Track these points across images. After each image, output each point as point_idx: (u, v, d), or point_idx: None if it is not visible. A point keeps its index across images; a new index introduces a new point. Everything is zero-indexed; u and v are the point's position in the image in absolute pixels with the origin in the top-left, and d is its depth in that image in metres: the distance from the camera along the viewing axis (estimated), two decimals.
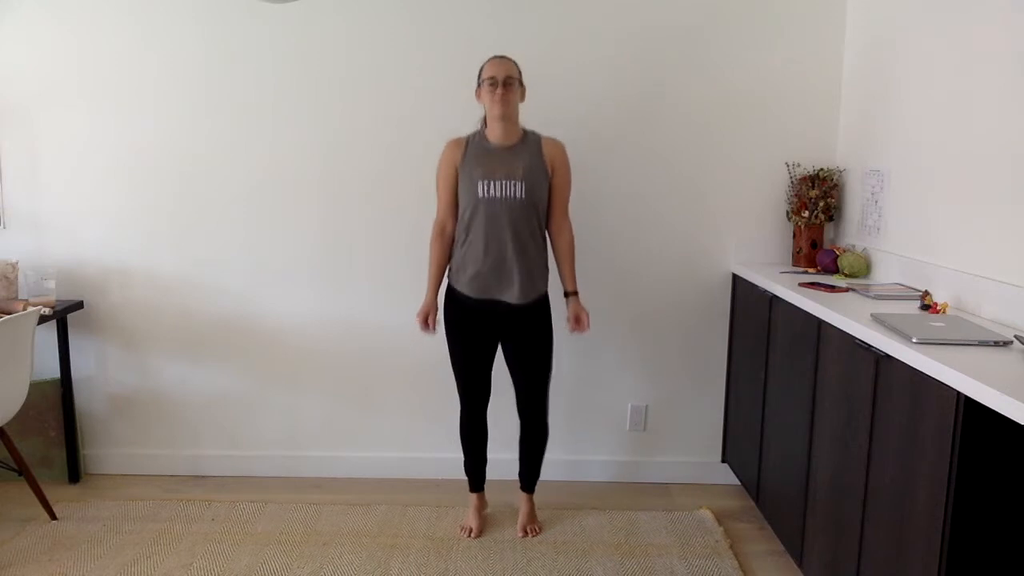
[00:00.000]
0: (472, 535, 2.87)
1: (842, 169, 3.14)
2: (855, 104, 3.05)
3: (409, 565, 2.66)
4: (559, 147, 2.73)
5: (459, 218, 2.72)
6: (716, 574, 2.63)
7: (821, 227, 3.11)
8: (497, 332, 2.78)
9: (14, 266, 3.10)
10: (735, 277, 3.23)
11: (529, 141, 2.71)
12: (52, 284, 3.13)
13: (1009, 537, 1.64)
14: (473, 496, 2.96)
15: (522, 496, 2.94)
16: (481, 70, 2.67)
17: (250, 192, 3.24)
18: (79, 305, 3.22)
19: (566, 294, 2.81)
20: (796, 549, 2.51)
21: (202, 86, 3.17)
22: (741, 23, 3.12)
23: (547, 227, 2.78)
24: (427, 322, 2.80)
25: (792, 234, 3.21)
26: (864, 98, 2.98)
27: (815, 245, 3.11)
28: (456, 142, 2.73)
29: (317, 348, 3.33)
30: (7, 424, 3.03)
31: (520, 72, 2.69)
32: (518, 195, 2.63)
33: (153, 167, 3.22)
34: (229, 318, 3.32)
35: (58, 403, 3.26)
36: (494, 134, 2.68)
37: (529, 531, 2.89)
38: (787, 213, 3.20)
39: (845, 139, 3.14)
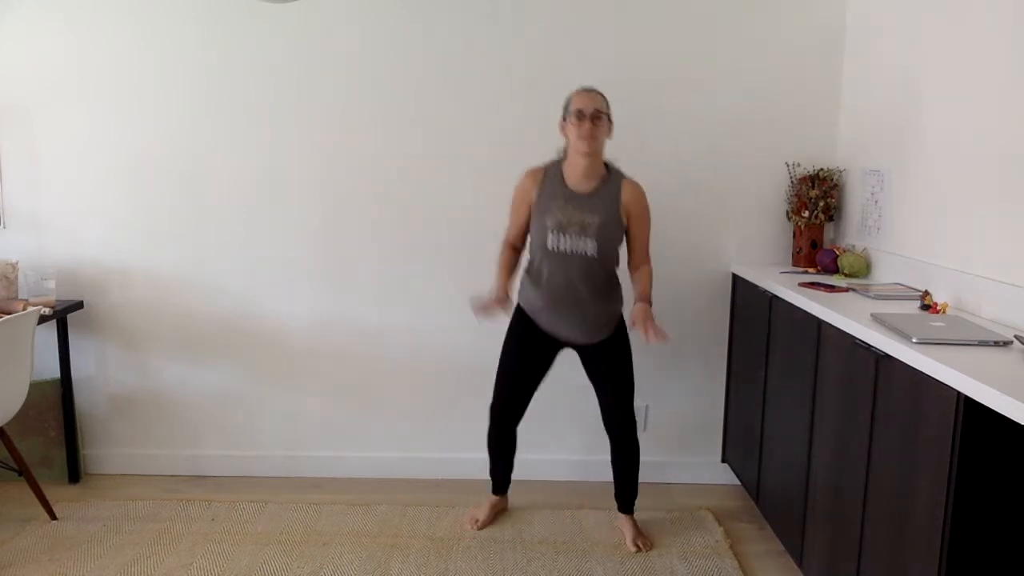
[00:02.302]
0: (478, 525, 2.88)
1: (842, 169, 3.14)
2: (855, 104, 3.05)
3: (409, 565, 2.66)
4: (638, 194, 2.61)
5: (530, 248, 2.67)
6: (716, 574, 2.63)
7: (821, 227, 3.11)
8: (558, 352, 2.76)
9: (14, 266, 3.10)
10: (735, 277, 3.23)
11: (609, 186, 2.59)
12: (52, 284, 3.13)
13: (1009, 537, 1.64)
14: (494, 497, 2.98)
15: (623, 519, 2.87)
16: (568, 101, 2.57)
17: (250, 192, 3.24)
18: (79, 305, 3.22)
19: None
20: (796, 549, 2.51)
21: (202, 86, 3.17)
22: (741, 23, 3.12)
23: (629, 267, 2.71)
24: (491, 306, 2.57)
25: (792, 234, 3.21)
26: (864, 98, 2.98)
27: (815, 245, 3.11)
28: (533, 174, 2.64)
29: (317, 348, 3.33)
30: (7, 424, 3.03)
31: (608, 106, 2.58)
32: (588, 252, 2.55)
33: (153, 167, 3.22)
34: (229, 318, 3.32)
35: (58, 403, 3.26)
36: (574, 172, 2.57)
37: (641, 544, 2.77)
38: (787, 213, 3.20)
39: (845, 139, 3.14)
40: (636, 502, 2.90)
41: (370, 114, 3.18)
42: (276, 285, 3.29)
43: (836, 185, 3.10)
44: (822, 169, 3.12)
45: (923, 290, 2.46)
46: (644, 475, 3.36)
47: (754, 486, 2.94)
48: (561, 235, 2.55)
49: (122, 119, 3.20)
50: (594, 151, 2.54)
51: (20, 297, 3.16)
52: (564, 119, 2.59)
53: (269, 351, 3.34)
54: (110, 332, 3.33)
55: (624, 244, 2.68)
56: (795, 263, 3.16)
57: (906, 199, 2.66)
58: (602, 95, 2.58)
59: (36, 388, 3.22)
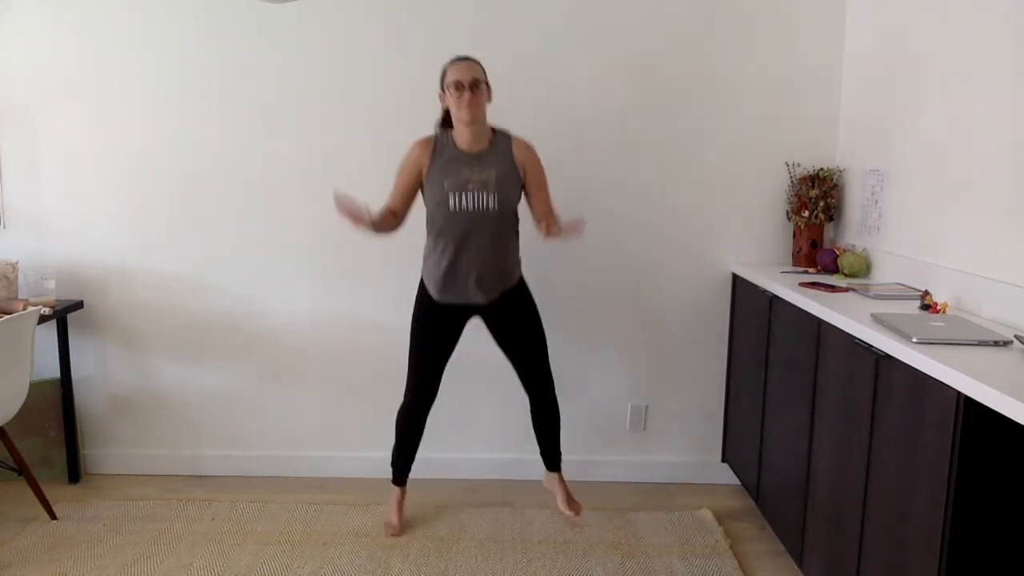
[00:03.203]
0: (396, 532, 2.85)
1: (842, 169, 3.14)
2: (855, 104, 3.05)
3: (409, 565, 2.66)
4: (529, 148, 2.67)
5: (428, 223, 2.68)
6: (716, 574, 2.63)
7: (821, 227, 3.11)
8: (463, 325, 2.78)
9: (14, 266, 3.10)
10: (735, 277, 3.23)
11: (499, 144, 2.64)
12: (52, 284, 3.13)
13: (1009, 537, 1.64)
14: (398, 489, 2.92)
15: (552, 477, 2.93)
16: (444, 73, 2.59)
17: (250, 192, 3.24)
18: (79, 305, 3.22)
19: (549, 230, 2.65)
20: (796, 549, 2.51)
21: (202, 86, 3.17)
22: (741, 23, 3.12)
23: (536, 222, 2.72)
24: (353, 208, 2.52)
25: (792, 234, 3.21)
26: (864, 98, 2.98)
27: (815, 245, 3.11)
28: (424, 143, 2.65)
29: (317, 348, 3.33)
30: (7, 424, 3.03)
31: (485, 72, 2.61)
32: (491, 206, 2.58)
33: (153, 167, 3.22)
34: (229, 318, 3.32)
35: (58, 403, 3.26)
36: (463, 139, 2.61)
37: (574, 508, 2.85)
38: (787, 213, 3.20)
39: (845, 139, 3.14)
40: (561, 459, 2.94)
41: (370, 113, 3.18)
42: (276, 285, 3.29)
43: (836, 185, 3.10)
44: (822, 169, 3.12)
45: (923, 290, 2.46)
46: (644, 475, 3.38)
47: (754, 486, 2.94)
48: (461, 194, 2.58)
49: (122, 119, 3.20)
50: (477, 119, 2.57)
51: (20, 297, 3.16)
52: (443, 90, 2.61)
53: (269, 351, 3.34)
54: (110, 332, 3.33)
55: (527, 205, 2.71)
56: (795, 263, 3.16)
57: (906, 199, 2.66)
58: (477, 62, 2.60)
59: (36, 388, 3.22)
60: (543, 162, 2.70)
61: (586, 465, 3.37)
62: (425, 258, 2.74)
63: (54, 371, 3.29)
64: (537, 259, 3.16)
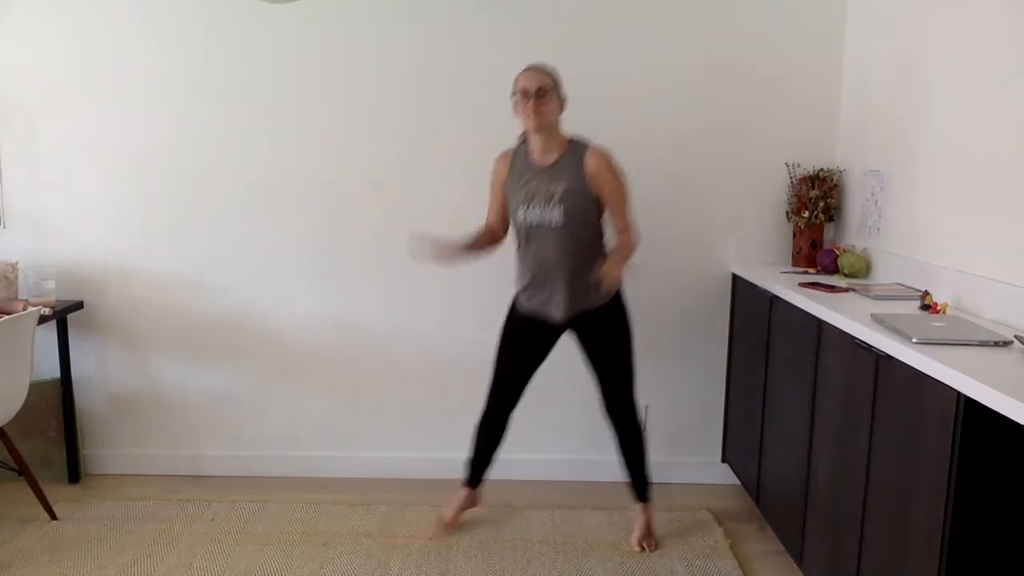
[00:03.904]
0: (443, 528, 2.83)
1: (842, 169, 3.14)
2: (855, 104, 3.05)
3: (409, 565, 2.66)
4: (603, 160, 2.56)
5: (513, 231, 2.70)
6: (716, 574, 2.63)
7: (821, 227, 3.11)
8: (556, 337, 2.75)
9: (14, 266, 3.10)
10: (735, 277, 3.23)
11: (572, 156, 2.57)
12: (52, 284, 3.13)
13: (1009, 537, 1.64)
14: (465, 490, 2.91)
15: (635, 510, 2.84)
16: (515, 82, 2.59)
17: (250, 192, 3.24)
18: (79, 305, 3.22)
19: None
20: (796, 549, 2.51)
21: (202, 86, 3.17)
22: (741, 23, 3.12)
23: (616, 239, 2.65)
24: (433, 247, 2.61)
25: (792, 234, 3.21)
26: (864, 98, 2.98)
27: (815, 245, 3.11)
28: (504, 157, 2.70)
29: (317, 348, 3.33)
30: (7, 424, 3.03)
31: (557, 81, 2.59)
32: (555, 222, 2.55)
33: (153, 167, 3.22)
34: (229, 318, 3.32)
35: (58, 403, 3.26)
36: (535, 149, 2.61)
37: (646, 545, 2.75)
38: (787, 213, 3.20)
39: (845, 139, 3.14)
40: (650, 490, 2.84)
41: (371, 113, 3.18)
42: (276, 285, 3.29)
43: (836, 185, 3.10)
44: (822, 169, 3.12)
45: (923, 290, 2.46)
46: None
47: (754, 486, 2.94)
48: (529, 208, 2.58)
49: (122, 119, 3.20)
50: (542, 126, 2.54)
51: (20, 297, 3.16)
52: (513, 100, 2.61)
53: (269, 351, 3.34)
54: (110, 332, 3.33)
55: (602, 215, 2.65)
56: (795, 263, 3.16)
57: (906, 199, 2.66)
58: (548, 72, 2.58)
59: (36, 388, 3.22)
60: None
61: (586, 465, 3.37)
62: (517, 270, 2.74)
63: (54, 371, 3.29)
64: None
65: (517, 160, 2.66)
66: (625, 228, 2.62)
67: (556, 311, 2.65)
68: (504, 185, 2.68)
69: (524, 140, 2.68)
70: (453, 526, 2.88)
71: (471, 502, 2.95)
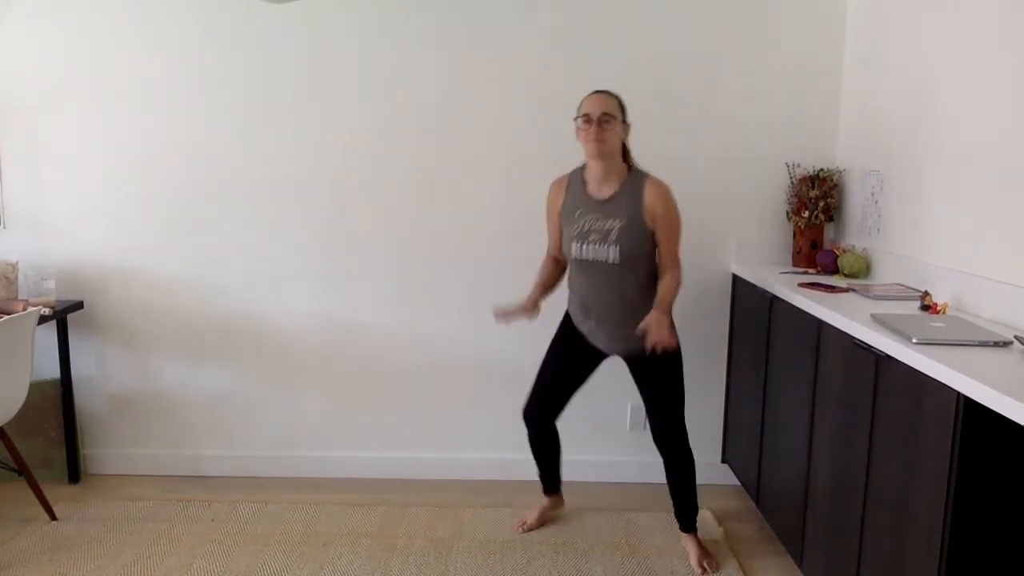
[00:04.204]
0: (524, 528, 2.89)
1: (842, 169, 3.14)
2: (855, 104, 3.05)
3: (409, 565, 2.66)
4: (661, 195, 2.49)
5: (566, 257, 2.66)
6: (716, 574, 2.63)
7: (821, 227, 3.11)
8: (601, 358, 2.75)
9: (14, 266, 3.10)
10: (735, 277, 3.23)
11: (630, 188, 2.50)
12: (52, 284, 3.13)
13: (1009, 537, 1.64)
14: (545, 499, 2.97)
15: (684, 538, 2.75)
16: (580, 106, 2.52)
17: (250, 192, 3.24)
18: (79, 305, 3.22)
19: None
20: (796, 549, 2.51)
21: (203, 86, 3.17)
22: (741, 23, 3.12)
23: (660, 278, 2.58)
24: (514, 313, 2.59)
25: (792, 234, 3.21)
26: (864, 98, 2.98)
27: (815, 245, 3.11)
28: (558, 184, 2.64)
29: (317, 348, 3.33)
30: (7, 424, 3.03)
31: (623, 106, 2.53)
32: (611, 259, 2.49)
33: (153, 167, 3.22)
34: (229, 318, 3.32)
35: (58, 403, 3.26)
36: (593, 177, 2.54)
37: (707, 566, 2.64)
38: (787, 213, 3.20)
39: (845, 139, 3.14)
40: (697, 518, 2.77)
41: (372, 114, 3.18)
42: (276, 285, 3.29)
43: (836, 185, 3.10)
44: (822, 169, 3.12)
45: (923, 290, 2.46)
46: (644, 475, 3.37)
47: (754, 486, 2.94)
48: (584, 244, 2.52)
49: (122, 119, 3.20)
50: (604, 154, 2.47)
51: (20, 297, 3.16)
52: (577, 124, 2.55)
53: (269, 351, 3.34)
54: (110, 332, 3.33)
55: (656, 249, 2.57)
56: (795, 263, 3.16)
57: (906, 199, 2.66)
58: (615, 97, 2.52)
59: (36, 388, 3.22)
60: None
61: (586, 465, 3.37)
62: (568, 283, 2.72)
63: (54, 371, 3.29)
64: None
65: (572, 188, 2.59)
66: (672, 265, 2.54)
67: (609, 346, 2.66)
68: (560, 213, 2.61)
69: (584, 166, 2.61)
70: (532, 528, 2.92)
71: (554, 507, 3.00)
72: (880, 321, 2.04)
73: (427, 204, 3.23)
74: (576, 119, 2.52)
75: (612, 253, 2.49)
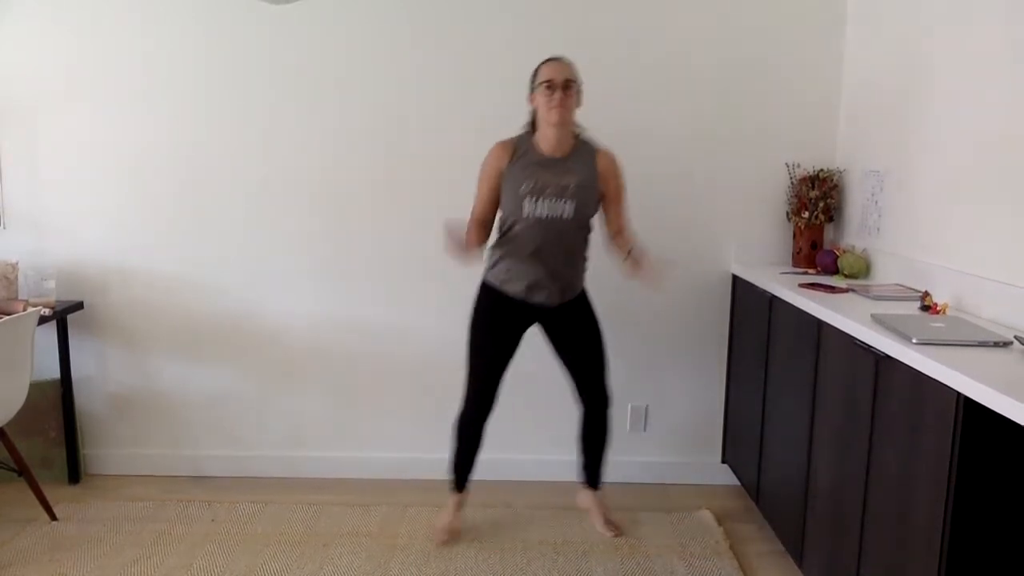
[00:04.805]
0: (450, 536, 2.80)
1: (842, 170, 3.14)
2: (855, 104, 3.05)
3: (409, 565, 2.66)
4: (613, 160, 2.60)
5: (500, 225, 2.64)
6: (716, 574, 2.63)
7: (821, 227, 3.11)
8: (525, 329, 2.75)
9: (14, 266, 3.10)
10: (735, 277, 3.23)
11: (582, 152, 2.58)
12: (52, 284, 3.13)
13: (1009, 537, 1.65)
14: (458, 495, 2.86)
15: (589, 495, 2.88)
16: (536, 72, 2.54)
17: (250, 192, 3.24)
18: (79, 305, 3.22)
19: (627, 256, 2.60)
20: (796, 549, 2.51)
21: (202, 86, 3.18)
22: (741, 23, 3.12)
23: (609, 235, 2.69)
24: (459, 239, 2.52)
25: (792, 234, 3.21)
26: (864, 98, 2.98)
27: (815, 246, 3.11)
28: (503, 146, 2.60)
29: (317, 348, 3.33)
30: (7, 424, 3.03)
31: (578, 75, 2.55)
32: (566, 214, 2.53)
33: (153, 167, 3.23)
34: (229, 318, 3.32)
35: (58, 403, 3.26)
36: (547, 143, 2.55)
37: (613, 529, 2.82)
38: (787, 213, 3.20)
39: (845, 139, 3.14)
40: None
41: (370, 114, 3.19)
42: (276, 285, 3.29)
43: (836, 185, 3.10)
44: (822, 169, 3.12)
45: (923, 291, 2.46)
46: (644, 475, 3.38)
47: (754, 486, 2.94)
48: (538, 200, 2.53)
49: (122, 119, 3.20)
50: (565, 121, 2.51)
51: (20, 297, 3.16)
52: (532, 91, 2.57)
53: (269, 351, 3.34)
54: (110, 332, 3.33)
55: (600, 215, 2.66)
56: (795, 264, 3.16)
57: (906, 199, 2.66)
58: (571, 64, 2.55)
59: (36, 388, 3.22)
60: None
61: None
62: (491, 259, 2.69)
63: (54, 371, 3.29)
64: None
65: (520, 150, 2.58)
66: (623, 229, 2.67)
67: (549, 299, 2.64)
68: (504, 174, 2.58)
69: (531, 132, 2.62)
70: (454, 534, 2.83)
71: (460, 505, 2.90)
72: (880, 321, 2.04)
73: (428, 204, 3.23)
74: (535, 86, 2.53)
75: (568, 208, 2.53)
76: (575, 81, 2.52)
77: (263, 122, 3.19)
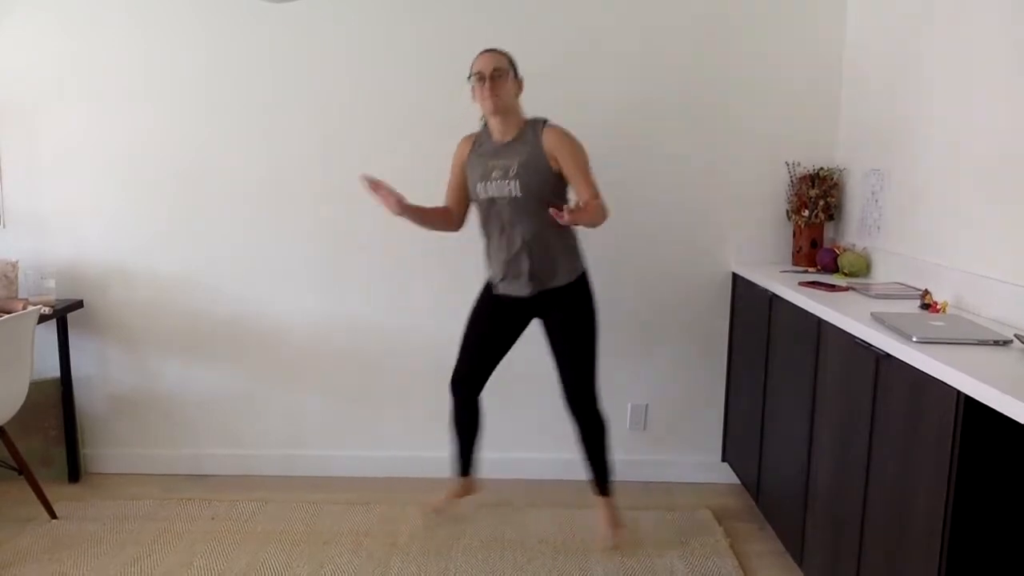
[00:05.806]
0: (434, 510, 2.85)
1: (842, 168, 3.13)
2: (855, 103, 3.05)
3: (409, 565, 2.66)
4: (559, 133, 2.55)
5: (479, 216, 2.72)
6: (716, 574, 2.63)
7: (821, 226, 3.11)
8: (523, 322, 2.76)
9: (14, 266, 3.10)
10: (735, 277, 3.23)
11: (529, 131, 2.60)
12: (52, 283, 3.13)
13: (1009, 537, 1.64)
14: (461, 479, 2.88)
15: (598, 500, 2.79)
16: (471, 66, 2.61)
17: (250, 192, 3.24)
18: (79, 304, 3.22)
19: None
20: (796, 549, 2.51)
21: (202, 86, 3.18)
22: (741, 22, 3.12)
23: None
24: (382, 190, 2.54)
25: (792, 233, 3.21)
26: (864, 97, 2.97)
27: (815, 244, 3.11)
28: (467, 138, 2.73)
29: (317, 347, 3.33)
30: (7, 423, 3.03)
31: (512, 62, 2.60)
32: (513, 193, 2.56)
33: (153, 167, 3.23)
34: (229, 317, 3.32)
35: (58, 402, 3.26)
36: (496, 131, 2.64)
37: (616, 535, 2.75)
38: (787, 212, 3.20)
39: (845, 138, 3.13)
40: (611, 483, 2.80)
41: (370, 114, 3.18)
42: (276, 285, 3.30)
43: (836, 184, 3.09)
44: (822, 168, 3.12)
45: (923, 289, 2.46)
46: (644, 475, 3.37)
47: (754, 486, 2.94)
48: (487, 182, 2.59)
49: (122, 119, 3.20)
50: (499, 109, 2.55)
51: (20, 296, 3.16)
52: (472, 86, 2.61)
53: (269, 351, 3.34)
54: (110, 332, 3.33)
55: (565, 193, 2.63)
56: (795, 262, 3.16)
57: (906, 199, 2.66)
58: (504, 54, 2.59)
59: (36, 388, 3.22)
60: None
61: None
62: (486, 258, 2.77)
63: (54, 371, 3.29)
64: None
65: (478, 141, 2.69)
66: (593, 197, 2.51)
67: (522, 287, 2.64)
68: (464, 165, 2.70)
69: (485, 123, 2.70)
70: (440, 510, 2.87)
71: (469, 489, 2.93)
72: (880, 320, 2.03)
73: (426, 203, 3.22)
74: (469, 78, 2.59)
75: (513, 187, 2.55)
76: (503, 69, 2.55)
77: (263, 122, 3.19)
